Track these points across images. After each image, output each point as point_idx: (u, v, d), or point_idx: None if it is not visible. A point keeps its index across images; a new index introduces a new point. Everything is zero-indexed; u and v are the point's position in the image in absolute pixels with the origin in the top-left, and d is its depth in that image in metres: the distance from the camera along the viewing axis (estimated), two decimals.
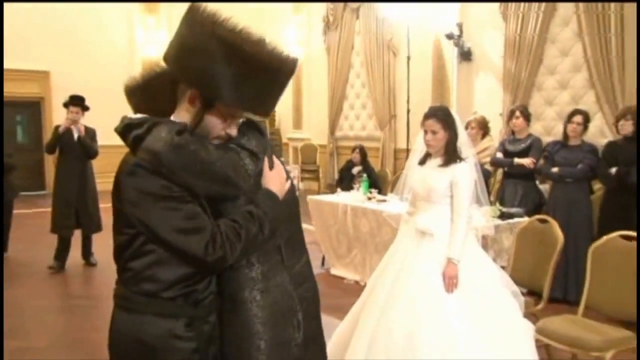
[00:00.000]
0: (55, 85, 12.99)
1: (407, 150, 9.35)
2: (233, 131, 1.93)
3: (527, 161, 6.14)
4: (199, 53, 1.77)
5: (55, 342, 4.95)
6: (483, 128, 6.82)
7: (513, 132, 6.53)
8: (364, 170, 8.64)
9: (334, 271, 6.91)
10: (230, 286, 1.94)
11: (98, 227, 7.17)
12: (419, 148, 3.81)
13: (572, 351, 3.74)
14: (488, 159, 6.50)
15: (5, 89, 12.29)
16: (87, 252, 7.34)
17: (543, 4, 7.82)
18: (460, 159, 3.58)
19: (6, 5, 11.96)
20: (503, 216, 5.49)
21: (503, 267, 4.26)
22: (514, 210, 5.67)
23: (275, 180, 1.99)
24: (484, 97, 9.02)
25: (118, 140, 1.87)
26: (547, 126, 7.95)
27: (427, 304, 3.39)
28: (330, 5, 12.41)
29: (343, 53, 12.24)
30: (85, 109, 7.09)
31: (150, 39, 13.97)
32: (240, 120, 1.96)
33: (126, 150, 1.86)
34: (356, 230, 6.47)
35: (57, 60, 13.02)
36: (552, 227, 4.25)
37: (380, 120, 11.37)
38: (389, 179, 8.80)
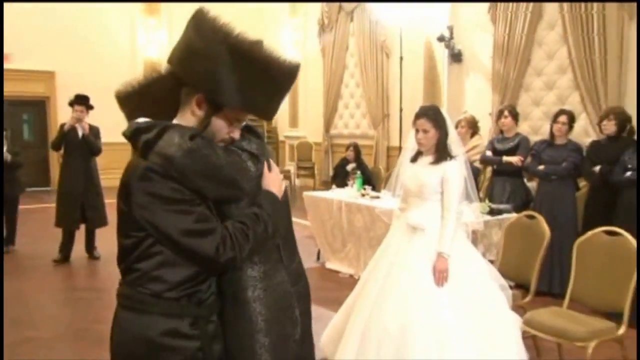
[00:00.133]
0: (61, 85, 12.97)
1: (400, 148, 9.33)
2: (236, 134, 1.92)
3: (515, 159, 6.15)
4: (208, 58, 1.75)
5: (60, 333, 4.94)
6: (472, 127, 6.83)
7: (502, 131, 6.55)
8: (358, 167, 8.64)
9: (329, 265, 6.91)
10: (234, 286, 1.92)
11: (104, 222, 7.17)
12: (410, 146, 3.81)
13: (558, 341, 3.76)
14: (477, 157, 6.51)
15: (12, 89, 12.33)
16: (90, 246, 7.34)
17: (530, 8, 7.81)
18: (451, 157, 3.58)
19: (14, 9, 11.98)
20: (492, 212, 5.50)
21: (492, 261, 4.28)
22: (502, 206, 5.69)
23: (275, 181, 2.00)
24: (473, 97, 9.02)
25: (121, 138, 1.85)
26: (535, 125, 7.96)
27: (418, 297, 3.39)
28: (325, 8, 12.37)
29: (338, 54, 12.22)
30: (89, 107, 7.10)
31: (151, 40, 14.04)
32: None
33: (128, 148, 1.84)
34: (350, 225, 6.47)
35: (62, 61, 13.00)
36: (539, 222, 4.26)
37: (373, 119, 11.36)
38: (382, 175, 8.80)
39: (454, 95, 9.35)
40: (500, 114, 6.52)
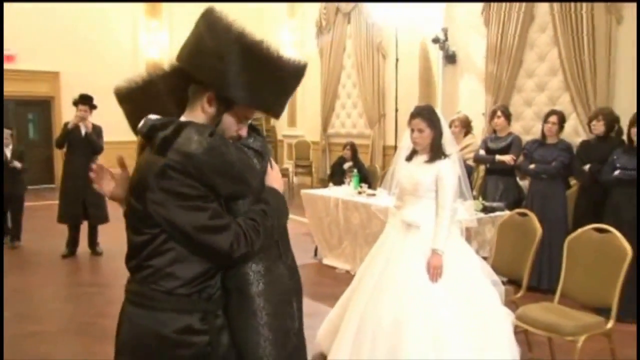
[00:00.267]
0: (65, 85, 12.96)
1: (395, 147, 9.31)
2: (244, 132, 1.92)
3: (507, 158, 6.15)
4: (221, 56, 1.75)
5: (63, 327, 4.93)
6: (465, 126, 6.84)
7: (495, 131, 6.54)
8: (355, 165, 8.64)
9: (325, 261, 6.90)
10: (239, 281, 1.91)
11: (105, 218, 7.17)
12: (406, 145, 3.80)
13: (549, 336, 3.76)
14: (470, 155, 6.51)
15: (18, 89, 12.36)
16: (93, 242, 7.33)
17: (523, 8, 7.81)
18: (445, 156, 3.58)
19: (21, 11, 11.98)
20: (485, 210, 5.49)
21: (485, 258, 4.27)
22: (495, 204, 5.68)
23: (277, 178, 2.01)
24: (467, 97, 9.01)
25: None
26: (527, 125, 7.96)
27: (413, 292, 3.38)
28: (323, 10, 12.35)
29: (335, 55, 12.20)
30: (93, 107, 7.11)
31: (153, 41, 14.04)
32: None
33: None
34: (347, 222, 6.47)
35: (67, 62, 12.98)
36: (531, 220, 4.27)
37: (370, 118, 11.35)
38: (378, 174, 8.79)
39: (448, 95, 9.35)
40: (493, 114, 6.52)
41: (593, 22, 6.84)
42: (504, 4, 8.06)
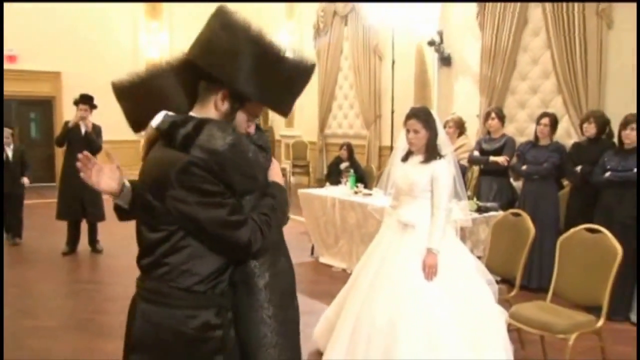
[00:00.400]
0: (66, 85, 12.95)
1: (391, 148, 9.32)
2: (252, 129, 1.93)
3: (501, 159, 6.15)
4: (236, 54, 1.74)
5: (63, 322, 4.91)
6: (459, 127, 6.85)
7: (489, 132, 6.55)
8: (351, 166, 8.63)
9: (322, 260, 6.89)
10: (245, 273, 1.91)
11: (102, 217, 7.13)
12: (401, 146, 3.79)
13: (541, 334, 3.76)
14: (463, 155, 6.52)
15: (20, 89, 12.36)
16: (93, 239, 7.29)
17: (517, 10, 7.81)
18: (440, 156, 3.57)
19: (23, 12, 11.96)
20: (480, 210, 5.50)
21: (479, 257, 4.27)
22: (489, 204, 5.69)
23: (278, 172, 2.03)
24: (462, 99, 9.01)
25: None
26: (520, 127, 7.96)
27: (408, 291, 3.37)
28: (320, 12, 12.35)
29: (332, 57, 12.19)
30: (93, 107, 7.11)
31: (153, 41, 14.05)
32: None
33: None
34: (343, 221, 6.46)
35: (68, 62, 12.98)
36: (525, 220, 4.27)
37: (366, 119, 11.34)
38: (374, 174, 8.77)
39: (443, 97, 9.35)
40: (487, 116, 6.52)
41: (585, 26, 6.86)
42: (498, 6, 8.06)
